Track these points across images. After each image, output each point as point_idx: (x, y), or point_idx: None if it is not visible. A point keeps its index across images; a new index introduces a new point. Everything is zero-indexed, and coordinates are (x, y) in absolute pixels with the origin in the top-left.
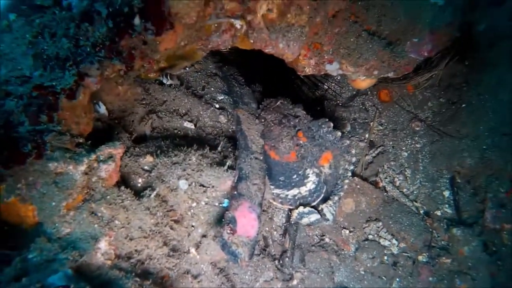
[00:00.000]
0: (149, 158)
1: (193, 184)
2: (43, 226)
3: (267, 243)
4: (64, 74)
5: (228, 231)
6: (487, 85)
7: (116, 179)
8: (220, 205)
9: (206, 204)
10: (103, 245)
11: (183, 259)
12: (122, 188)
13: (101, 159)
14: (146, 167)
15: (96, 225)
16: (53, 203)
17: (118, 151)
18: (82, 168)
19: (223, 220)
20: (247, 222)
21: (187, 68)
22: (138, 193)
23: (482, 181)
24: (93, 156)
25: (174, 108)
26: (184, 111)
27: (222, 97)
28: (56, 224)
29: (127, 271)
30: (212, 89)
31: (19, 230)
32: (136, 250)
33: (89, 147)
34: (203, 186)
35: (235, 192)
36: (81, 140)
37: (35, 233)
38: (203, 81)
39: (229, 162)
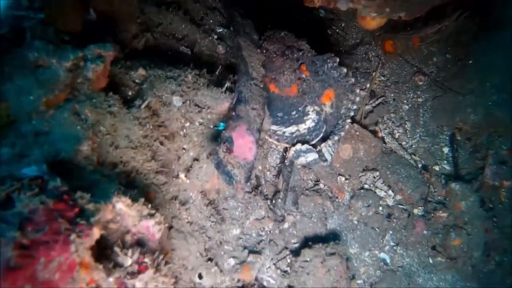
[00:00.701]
0: (141, 71)
1: (188, 102)
2: (18, 123)
3: (259, 182)
4: None
5: (224, 150)
6: (497, 43)
7: (104, 84)
8: (215, 127)
9: (200, 125)
10: (85, 148)
11: (171, 183)
12: (110, 94)
13: (89, 58)
14: (137, 81)
15: (78, 127)
16: (31, 97)
17: (108, 53)
18: (67, 64)
19: (219, 139)
20: (244, 144)
21: None
22: (127, 104)
23: (483, 138)
24: (80, 54)
25: (170, 32)
26: (180, 36)
27: (221, 30)
28: (33, 122)
29: (110, 178)
30: (211, 21)
31: None
32: (121, 161)
33: (75, 45)
34: (198, 106)
35: (233, 113)
36: (67, 38)
37: (9, 131)
38: (201, 12)
39: (227, 84)
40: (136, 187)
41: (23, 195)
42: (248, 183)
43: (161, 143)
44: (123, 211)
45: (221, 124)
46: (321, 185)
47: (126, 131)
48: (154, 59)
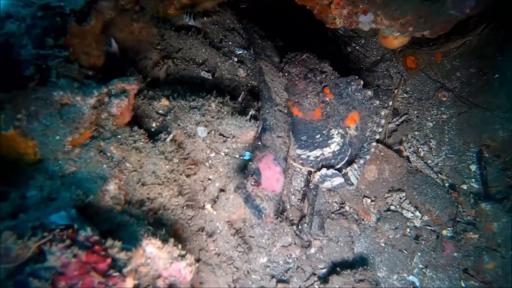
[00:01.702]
0: (164, 102)
1: (213, 132)
2: (44, 163)
3: (284, 207)
4: None
5: (252, 183)
6: None
7: (129, 118)
8: (241, 157)
9: (226, 155)
10: (112, 187)
11: (197, 215)
12: (135, 128)
13: (113, 93)
14: (161, 111)
15: (104, 165)
16: (57, 137)
17: (132, 87)
18: (92, 101)
19: (245, 171)
20: (272, 175)
21: (204, 18)
22: (152, 138)
23: None
24: (104, 90)
25: (190, 57)
26: (201, 60)
27: (240, 52)
28: (60, 162)
29: (138, 218)
30: (230, 42)
31: (18, 169)
32: (148, 198)
33: (99, 81)
34: (223, 135)
35: (259, 143)
36: (90, 73)
37: (36, 171)
38: (220, 34)
39: (252, 112)
40: (164, 225)
41: (54, 247)
42: (277, 215)
43: (187, 176)
44: (154, 254)
45: (247, 153)
46: (347, 208)
47: (152, 166)
48: (177, 88)
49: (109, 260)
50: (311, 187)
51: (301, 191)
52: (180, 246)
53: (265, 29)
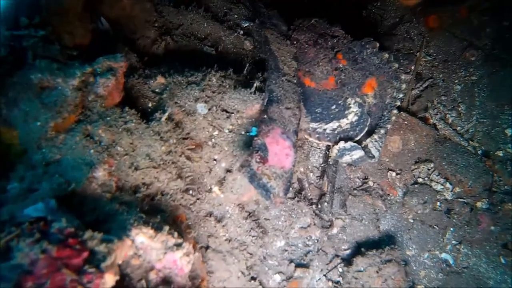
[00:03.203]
0: (160, 79)
1: (214, 108)
2: (28, 152)
3: (302, 185)
4: None
5: (258, 160)
6: None
7: (119, 99)
8: (247, 133)
9: (230, 132)
10: (100, 174)
11: (204, 199)
12: (126, 109)
13: (99, 72)
14: (157, 90)
15: (92, 151)
16: (38, 123)
17: (119, 65)
18: (74, 82)
19: (251, 147)
20: (280, 151)
21: None
22: (147, 118)
23: None
24: (89, 69)
25: (191, 32)
26: (203, 35)
27: (247, 24)
28: (43, 150)
29: (130, 206)
30: (236, 16)
31: (9, 161)
32: (143, 183)
33: (84, 60)
34: (226, 111)
35: (265, 116)
36: (75, 53)
37: (19, 161)
38: (225, 8)
39: (257, 83)
40: (162, 211)
41: (22, 243)
42: (287, 195)
43: (188, 158)
44: (145, 245)
45: (253, 129)
46: (370, 183)
47: (147, 148)
48: (175, 65)
49: (85, 254)
50: (331, 163)
51: (320, 167)
52: (176, 234)
53: None
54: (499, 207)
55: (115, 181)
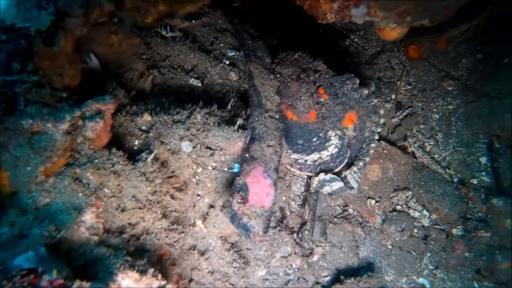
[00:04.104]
0: (147, 117)
1: (198, 146)
2: (18, 196)
3: (284, 214)
4: (40, 14)
5: (239, 200)
6: None
7: (107, 140)
8: (230, 170)
9: (213, 169)
10: (88, 217)
11: (188, 233)
12: (113, 150)
13: (87, 115)
14: (144, 127)
15: (80, 194)
16: (28, 168)
17: (108, 107)
18: (64, 126)
19: (232, 187)
20: (260, 190)
21: (193, 21)
22: (134, 157)
23: None
24: (77, 113)
25: (178, 64)
26: (189, 67)
27: (233, 53)
28: (33, 193)
29: (116, 249)
30: (222, 44)
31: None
32: (129, 224)
33: (73, 102)
34: (210, 148)
35: (247, 155)
36: (64, 95)
37: (9, 205)
38: (211, 36)
39: (240, 121)
40: (147, 251)
41: None
42: (267, 232)
43: (172, 197)
44: None
45: (236, 165)
46: (350, 210)
47: (133, 190)
48: (161, 101)
49: None
50: (312, 192)
51: (302, 196)
52: (159, 276)
53: (258, 27)
54: (473, 234)
55: (102, 223)
